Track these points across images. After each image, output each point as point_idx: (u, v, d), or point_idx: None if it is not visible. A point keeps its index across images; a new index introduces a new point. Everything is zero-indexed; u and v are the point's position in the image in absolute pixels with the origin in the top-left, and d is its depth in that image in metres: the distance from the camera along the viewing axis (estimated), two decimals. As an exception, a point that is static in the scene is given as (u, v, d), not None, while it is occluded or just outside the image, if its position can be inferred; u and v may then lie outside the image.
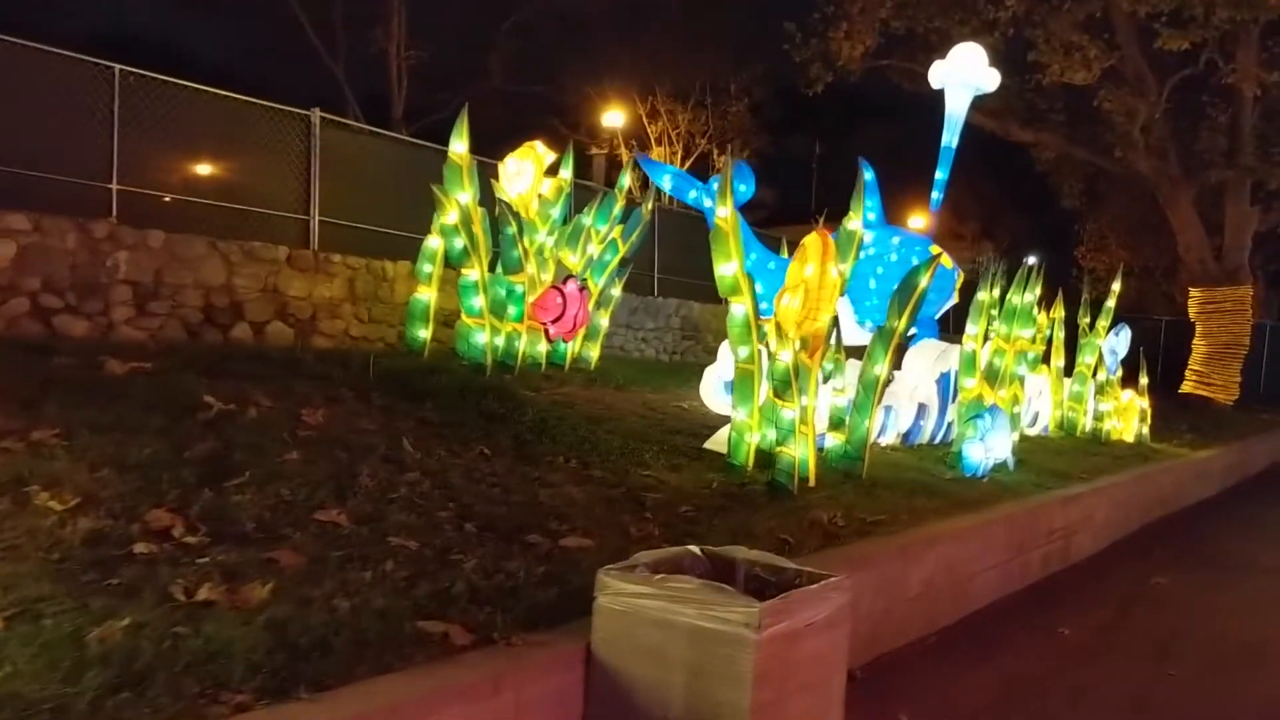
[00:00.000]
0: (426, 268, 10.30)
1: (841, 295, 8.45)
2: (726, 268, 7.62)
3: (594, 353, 11.95)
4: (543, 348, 11.00)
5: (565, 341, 11.15)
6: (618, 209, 12.36)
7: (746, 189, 10.93)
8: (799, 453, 7.88)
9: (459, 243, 10.01)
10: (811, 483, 8.03)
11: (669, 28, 30.57)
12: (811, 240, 7.61)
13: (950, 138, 14.12)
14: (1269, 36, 21.76)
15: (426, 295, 10.42)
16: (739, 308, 7.70)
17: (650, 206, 12.62)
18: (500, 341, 10.46)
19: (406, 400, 8.38)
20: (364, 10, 23.61)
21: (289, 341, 10.50)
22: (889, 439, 11.20)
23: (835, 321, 8.37)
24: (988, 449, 9.74)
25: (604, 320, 12.09)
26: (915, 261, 12.54)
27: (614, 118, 31.18)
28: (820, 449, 8.72)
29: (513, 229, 10.15)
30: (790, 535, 6.46)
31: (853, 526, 6.97)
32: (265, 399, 6.98)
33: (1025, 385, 13.00)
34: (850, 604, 4.21)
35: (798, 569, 4.35)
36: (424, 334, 10.48)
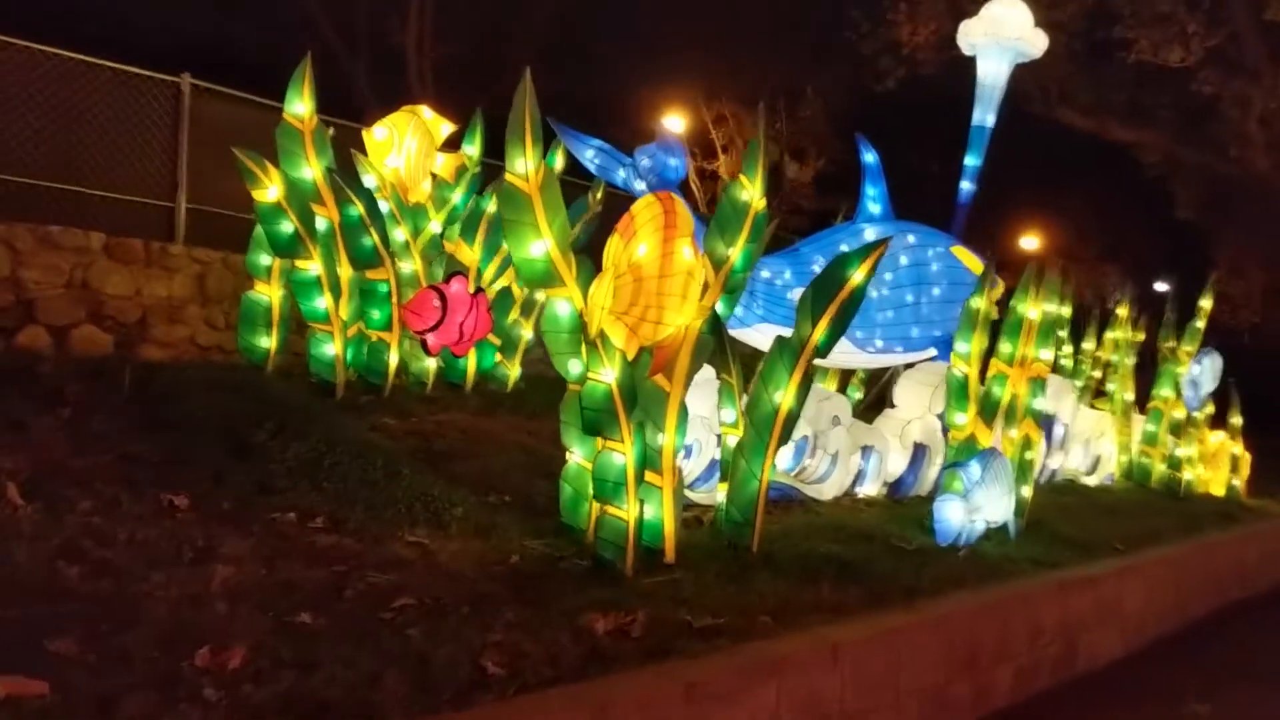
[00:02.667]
0: (264, 259, 8.17)
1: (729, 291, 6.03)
2: (536, 246, 5.25)
3: (512, 371, 9.69)
4: (431, 364, 8.79)
5: (456, 355, 8.86)
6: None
7: (678, 165, 8.53)
8: (646, 514, 5.49)
9: (285, 227, 7.85)
10: (669, 557, 5.62)
11: (738, 25, 28.22)
12: (643, 206, 5.21)
13: (984, 114, 11.47)
14: None
15: (266, 295, 8.28)
16: (562, 305, 5.33)
17: (599, 195, 10.31)
18: (375, 354, 8.34)
19: (143, 428, 6.28)
20: (388, 7, 21.93)
21: (103, 350, 8.46)
22: (869, 489, 8.64)
23: (715, 327, 5.93)
24: (972, 509, 7.13)
25: (527, 331, 9.79)
26: (935, 267, 10.09)
27: (673, 123, 28.86)
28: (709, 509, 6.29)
29: (359, 210, 7.94)
30: (527, 653, 4.07)
31: (662, 635, 4.55)
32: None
33: (1068, 423, 10.27)
34: None
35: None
36: (266, 343, 8.34)
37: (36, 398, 6.41)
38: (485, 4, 22.91)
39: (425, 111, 9.08)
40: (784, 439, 6.08)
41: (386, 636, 4.08)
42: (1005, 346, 7.88)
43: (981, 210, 11.82)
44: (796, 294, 9.73)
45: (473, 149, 9.61)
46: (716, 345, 6.06)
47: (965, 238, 11.26)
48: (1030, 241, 30.25)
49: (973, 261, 10.31)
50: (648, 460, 5.57)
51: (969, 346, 7.78)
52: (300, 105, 8.05)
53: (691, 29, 27.39)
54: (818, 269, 10.05)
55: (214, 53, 15.84)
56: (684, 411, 5.76)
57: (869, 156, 10.54)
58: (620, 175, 9.05)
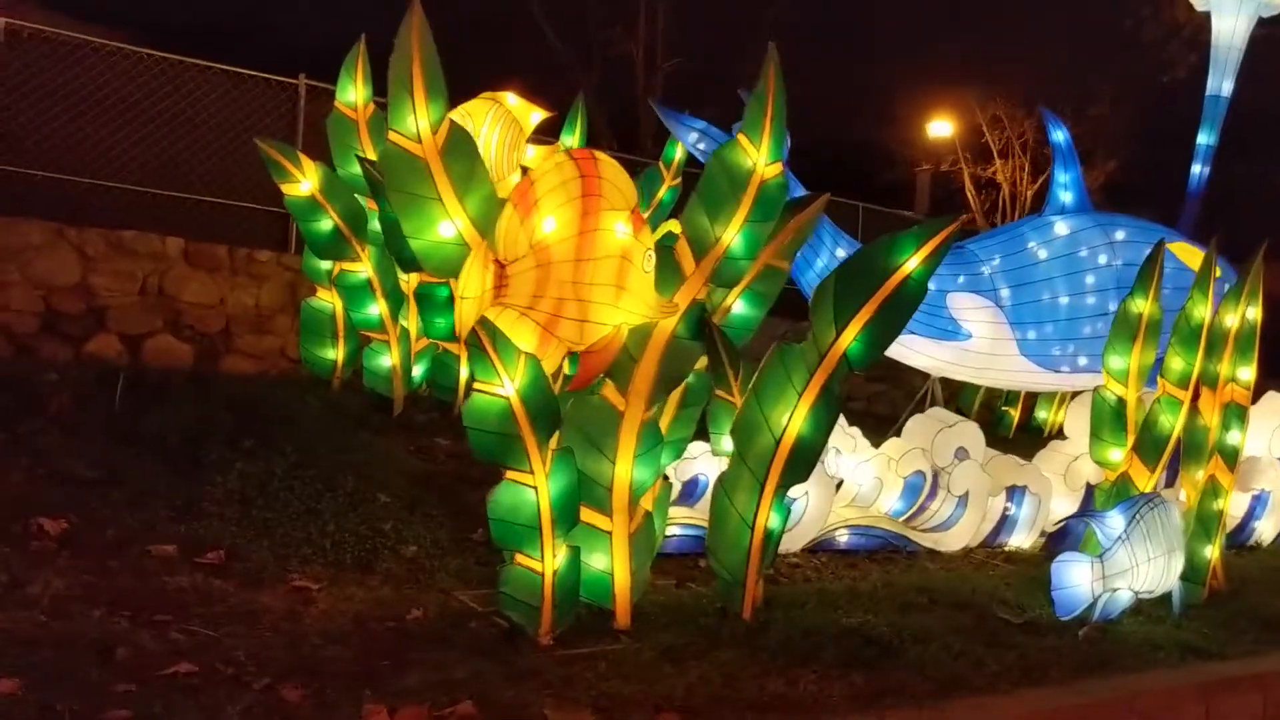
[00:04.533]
0: (324, 262, 7.51)
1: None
2: (444, 227, 4.18)
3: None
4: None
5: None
6: (664, 191, 9.01)
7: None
8: (595, 564, 4.33)
9: (323, 224, 7.14)
10: (620, 622, 4.41)
11: (1013, 18, 25.89)
12: (548, 169, 4.01)
13: (1219, 82, 9.37)
14: None
15: (329, 302, 7.63)
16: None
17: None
18: (443, 368, 7.57)
19: (104, 442, 5.72)
20: (620, 14, 21.35)
21: (182, 361, 8.08)
22: (1019, 540, 6.98)
23: (699, 331, 4.61)
24: (1109, 573, 5.39)
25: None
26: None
27: (941, 127, 26.78)
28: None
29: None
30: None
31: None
32: None
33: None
34: None
35: None
36: (331, 354, 7.69)
37: (11, 407, 5.96)
38: (724, 11, 21.95)
39: (510, 98, 8.16)
40: (794, 477, 4.65)
41: (86, 714, 3.11)
42: (1178, 362, 6.01)
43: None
44: (956, 301, 8.24)
45: (572, 139, 8.65)
46: (710, 353, 4.74)
47: (1195, 233, 9.22)
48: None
49: (1192, 256, 8.35)
50: (588, 496, 4.36)
51: (1125, 361, 5.98)
52: (353, 92, 7.37)
53: (959, 25, 25.34)
54: (988, 271, 8.48)
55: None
56: (650, 435, 4.49)
57: (1058, 135, 8.80)
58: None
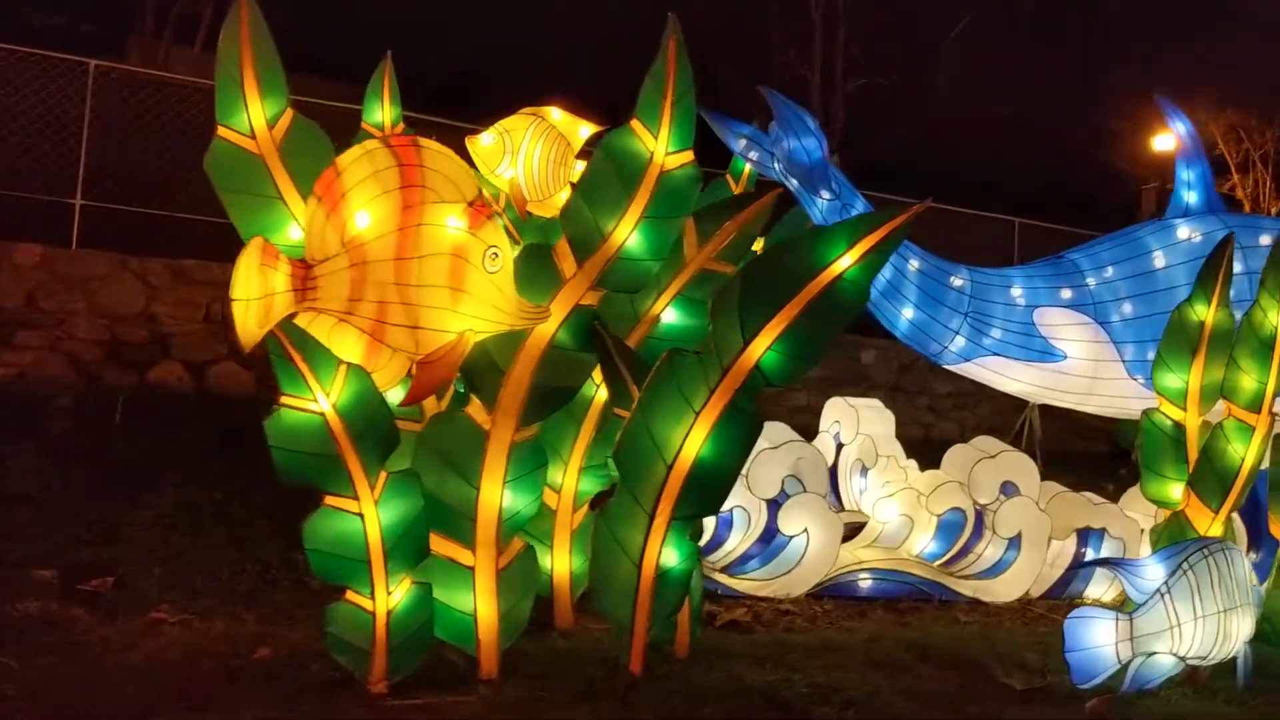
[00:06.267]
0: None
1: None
2: (294, 230, 3.87)
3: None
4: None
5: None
6: (732, 205, 8.40)
7: (801, 147, 6.66)
8: (459, 605, 3.88)
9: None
10: (485, 671, 3.94)
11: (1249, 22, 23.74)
12: (357, 156, 3.58)
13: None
14: None
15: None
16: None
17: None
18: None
19: (72, 461, 5.66)
20: (796, 38, 20.63)
21: (245, 389, 8.13)
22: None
23: (591, 340, 4.06)
24: (1137, 634, 4.45)
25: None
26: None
27: (1168, 141, 24.70)
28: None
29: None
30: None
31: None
32: None
33: None
34: None
35: None
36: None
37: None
38: (909, 29, 20.90)
39: (554, 113, 7.78)
40: (696, 508, 4.01)
41: None
42: (1249, 380, 4.95)
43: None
44: (1046, 317, 7.26)
45: (628, 153, 8.16)
46: (605, 366, 4.18)
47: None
48: None
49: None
50: (446, 526, 3.89)
51: (1184, 379, 4.97)
52: (379, 113, 7.18)
53: (1187, 29, 23.42)
54: (1094, 283, 7.47)
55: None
56: (526, 458, 3.98)
57: (1179, 126, 7.67)
58: (777, 167, 7.28)
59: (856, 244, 3.89)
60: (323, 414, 3.62)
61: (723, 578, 5.34)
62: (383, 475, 3.72)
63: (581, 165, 7.68)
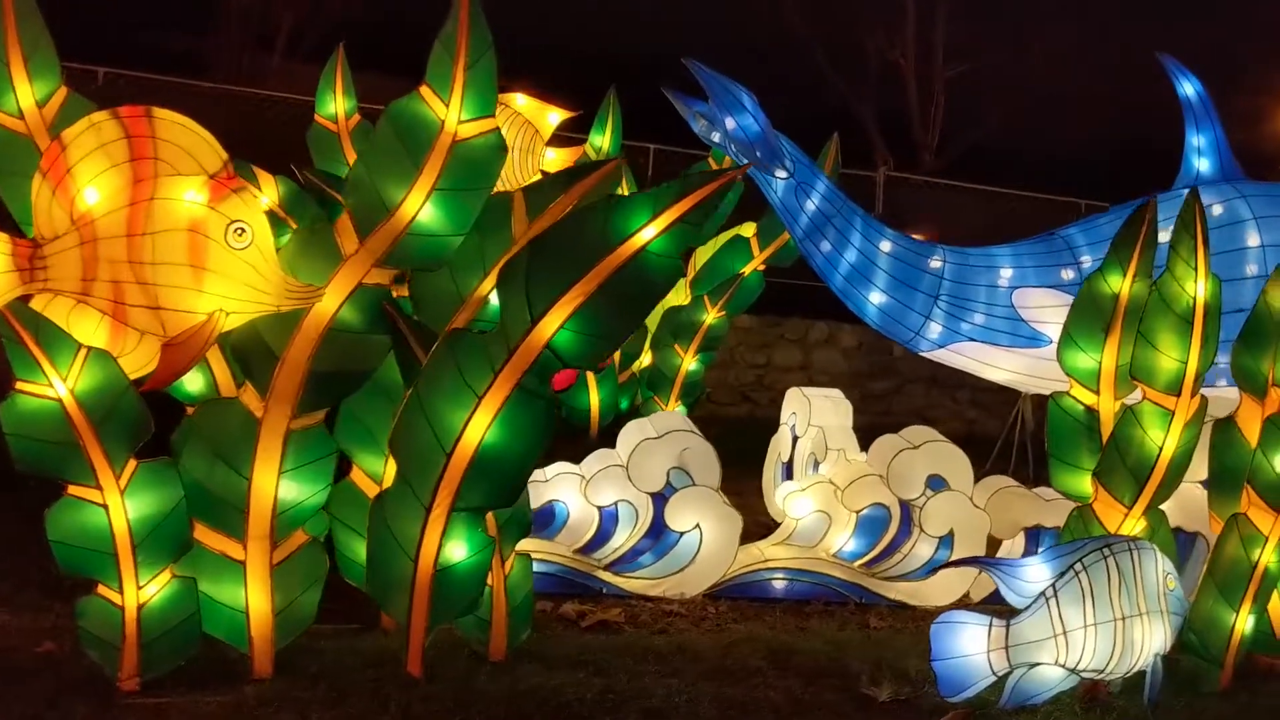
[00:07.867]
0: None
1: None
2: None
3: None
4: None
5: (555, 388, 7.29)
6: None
7: (738, 124, 6.31)
8: (223, 598, 3.71)
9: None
10: (258, 670, 3.74)
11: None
12: (82, 129, 3.42)
13: None
14: None
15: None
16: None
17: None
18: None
19: None
20: (890, 26, 19.84)
21: None
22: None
23: (382, 323, 3.82)
24: (1014, 642, 3.97)
25: (689, 362, 7.83)
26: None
27: (1301, 118, 23.06)
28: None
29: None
30: None
31: None
32: None
33: None
34: None
35: None
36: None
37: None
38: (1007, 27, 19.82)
39: (518, 98, 7.58)
40: (482, 499, 3.72)
41: None
42: (1165, 359, 4.37)
43: None
44: (1025, 299, 6.71)
45: (602, 140, 7.91)
46: (398, 349, 3.93)
47: None
48: None
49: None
50: (214, 518, 3.71)
51: (1095, 358, 4.44)
52: (331, 105, 7.11)
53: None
54: (1090, 260, 6.87)
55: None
56: (306, 448, 3.77)
57: (1187, 88, 6.98)
58: (732, 147, 6.94)
59: (661, 213, 3.56)
60: (60, 400, 3.48)
61: (608, 576, 5.02)
62: (131, 464, 3.56)
63: (552, 153, 7.51)
